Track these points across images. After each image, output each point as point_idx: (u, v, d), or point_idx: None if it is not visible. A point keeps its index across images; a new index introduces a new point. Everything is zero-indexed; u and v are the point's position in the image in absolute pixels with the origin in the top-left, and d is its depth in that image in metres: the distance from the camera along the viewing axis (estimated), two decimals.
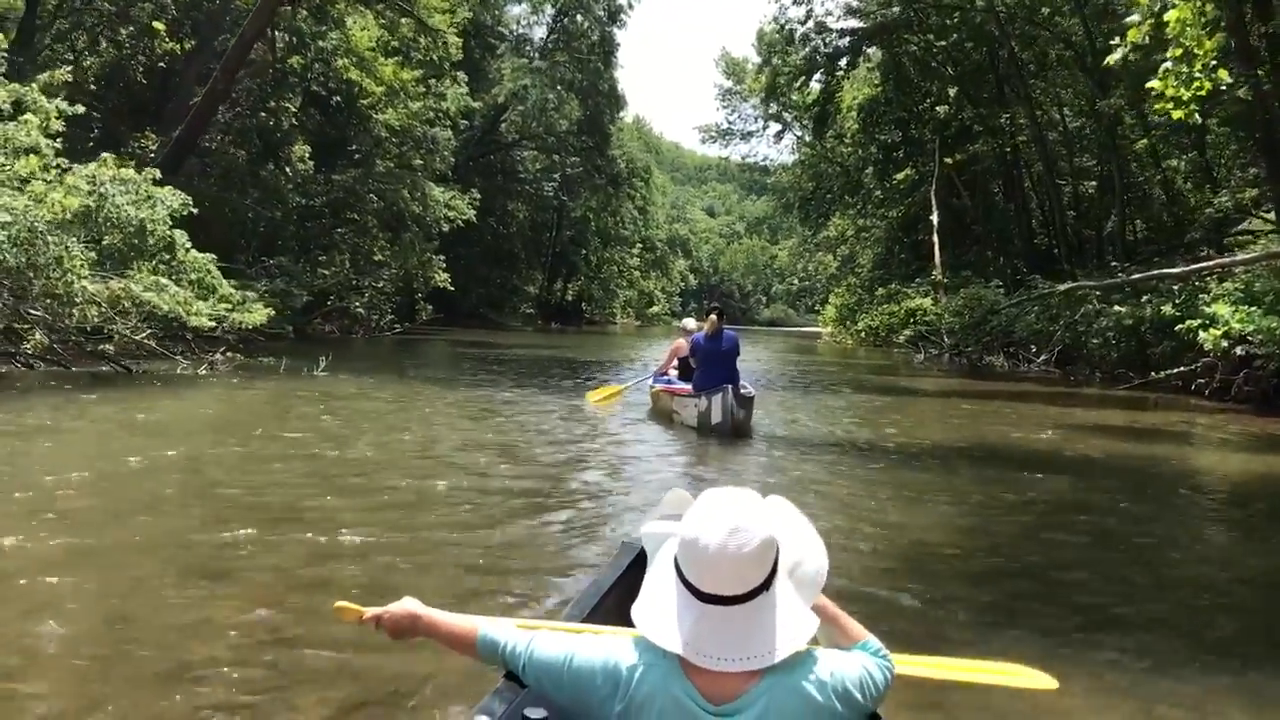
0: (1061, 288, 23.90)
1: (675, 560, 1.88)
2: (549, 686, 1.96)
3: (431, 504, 6.75)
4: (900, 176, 45.48)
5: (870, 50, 43.85)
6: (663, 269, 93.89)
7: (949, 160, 40.00)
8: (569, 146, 57.04)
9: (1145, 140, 28.03)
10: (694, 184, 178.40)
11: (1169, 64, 10.49)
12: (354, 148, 35.05)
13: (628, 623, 2.02)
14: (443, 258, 35.70)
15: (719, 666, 1.79)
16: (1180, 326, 16.81)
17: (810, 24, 42.66)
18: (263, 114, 30.18)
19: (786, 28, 44.66)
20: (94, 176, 14.30)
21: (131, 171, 15.09)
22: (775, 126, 61.87)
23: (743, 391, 10.97)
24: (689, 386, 11.40)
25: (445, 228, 38.41)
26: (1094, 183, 35.87)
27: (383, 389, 14.44)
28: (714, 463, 9.31)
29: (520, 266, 63.13)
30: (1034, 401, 16.53)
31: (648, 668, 1.85)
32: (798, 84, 47.76)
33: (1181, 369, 17.55)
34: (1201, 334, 15.85)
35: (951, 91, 39.25)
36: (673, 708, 1.80)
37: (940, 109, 40.93)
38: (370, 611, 2.21)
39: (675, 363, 12.60)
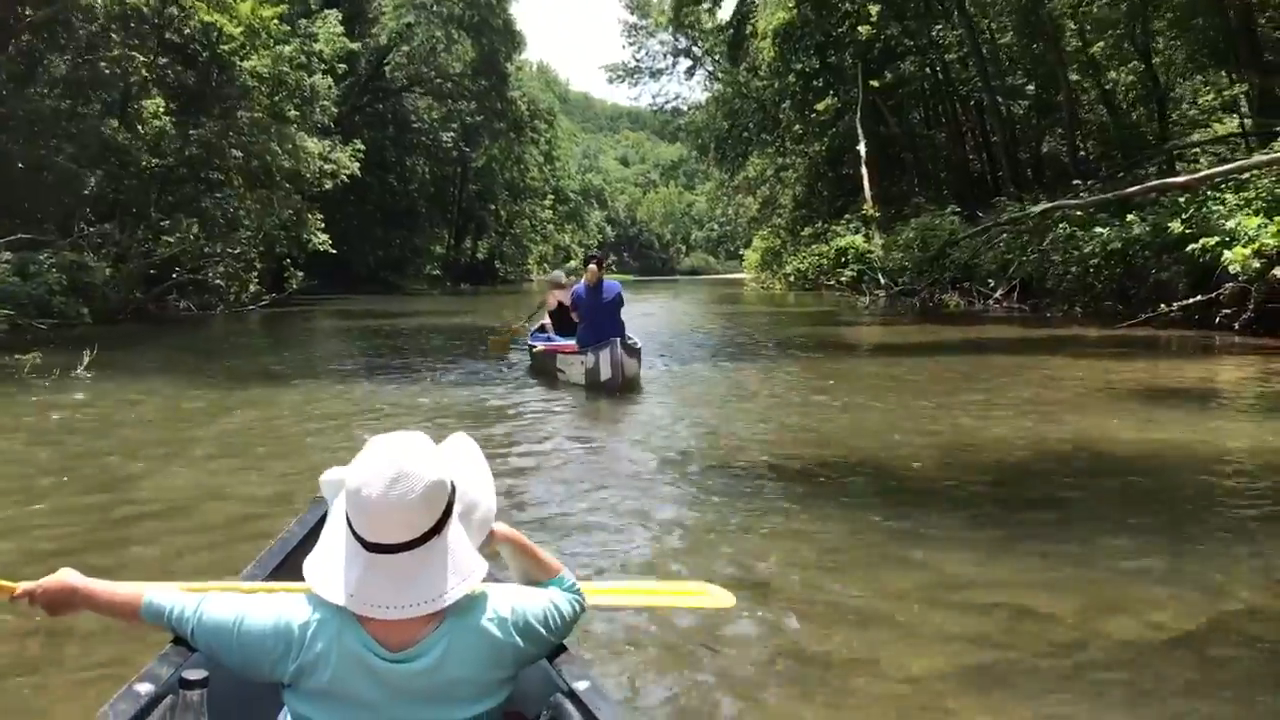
0: (1036, 209, 20.62)
1: (346, 509, 1.80)
2: (220, 650, 1.84)
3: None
4: (821, 106, 42.40)
5: None
6: (578, 221, 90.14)
7: (874, 83, 37.06)
8: (464, 91, 52.74)
9: (1086, 50, 25.33)
10: (606, 133, 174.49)
11: None
12: (219, 101, 30.75)
13: None
14: (321, 218, 31.70)
15: (389, 615, 1.73)
16: (1194, 247, 13.93)
17: None
18: (103, 64, 25.86)
19: None
20: None
21: None
22: (685, 62, 58.55)
23: (629, 343, 10.61)
24: (571, 342, 10.94)
25: (328, 185, 34.46)
26: (1025, 103, 33.32)
27: (173, 394, 10.60)
28: (604, 422, 8.96)
29: (423, 225, 58.81)
30: (1022, 352, 13.51)
31: (321, 623, 1.77)
32: (706, 6, 44.24)
33: (1199, 299, 14.45)
34: (1226, 254, 13.01)
35: (874, 9, 36.10)
36: (349, 660, 1.75)
37: (862, 29, 37.77)
38: (23, 586, 1.99)
39: (548, 319, 12.19)
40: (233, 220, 25.87)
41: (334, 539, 1.84)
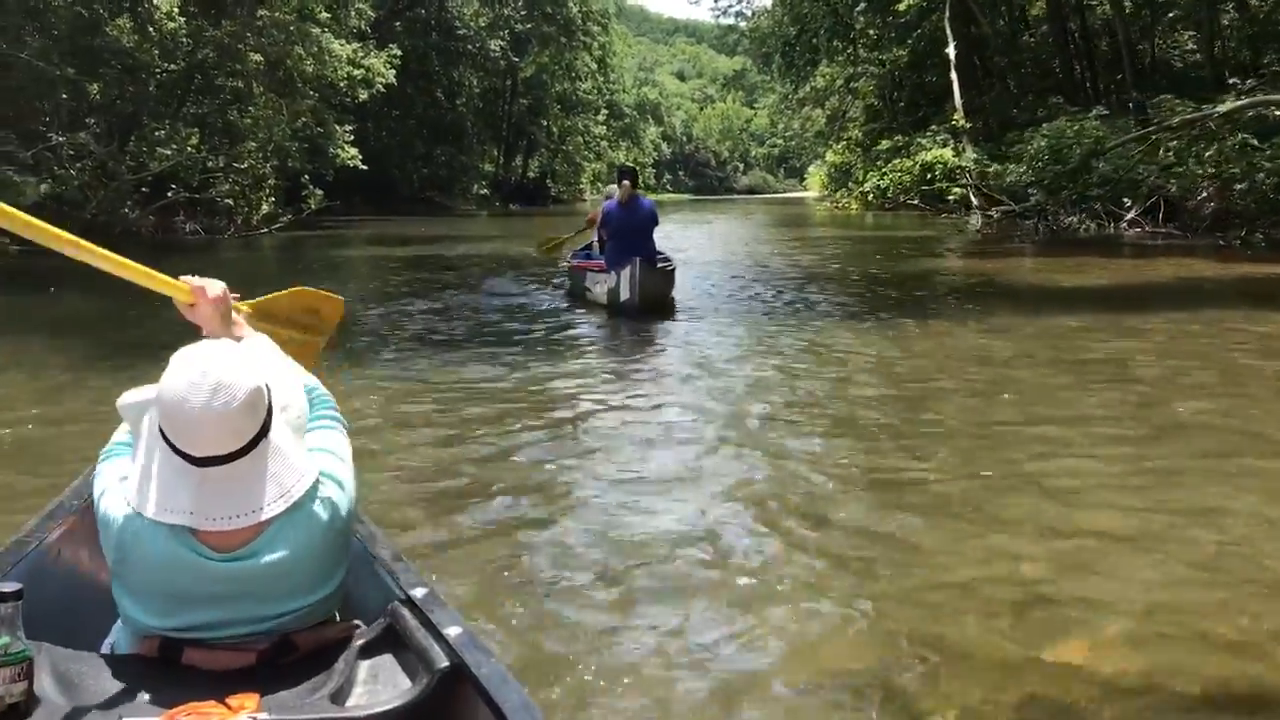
0: (1222, 107, 16.76)
1: (160, 429, 1.72)
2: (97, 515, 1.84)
3: None
4: (902, 7, 38.24)
5: None
6: (633, 138, 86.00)
7: None
8: None
9: None
10: (663, 47, 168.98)
11: None
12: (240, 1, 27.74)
13: None
14: (350, 129, 28.70)
15: (233, 525, 1.70)
16: None
17: None
18: None
19: None
20: None
21: None
22: None
23: (661, 265, 10.46)
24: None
25: (362, 95, 31.47)
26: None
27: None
28: (624, 348, 8.39)
29: (471, 142, 55.62)
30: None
31: (147, 528, 1.71)
32: None
33: None
34: None
35: None
36: (177, 564, 1.71)
37: None
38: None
39: (597, 235, 11.23)
40: (236, 130, 22.87)
41: (148, 459, 1.75)
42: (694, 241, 22.01)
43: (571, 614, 3.14)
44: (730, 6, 60.76)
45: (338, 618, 1.93)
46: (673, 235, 21.04)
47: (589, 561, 3.59)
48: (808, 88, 55.09)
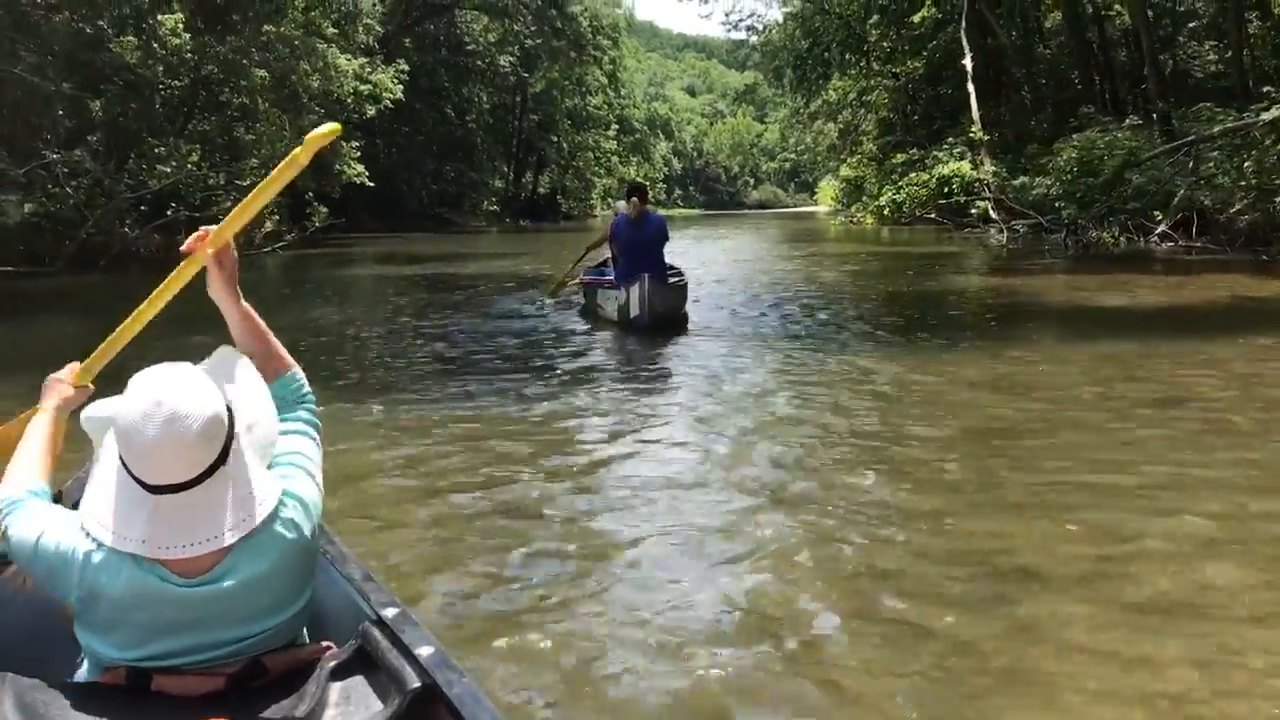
0: (1267, 115, 15.95)
1: (120, 454, 1.70)
2: (24, 563, 1.79)
3: None
4: (917, 19, 37.68)
5: None
6: (643, 153, 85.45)
7: None
8: (521, 5, 48.43)
9: None
10: (673, 62, 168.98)
11: None
12: (245, 15, 27.27)
13: None
14: (357, 145, 28.19)
15: (187, 553, 1.66)
16: None
17: None
18: None
19: None
20: None
21: None
22: None
23: (672, 280, 10.40)
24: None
25: (370, 111, 31.04)
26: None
27: None
28: (632, 364, 8.25)
29: (481, 158, 55.23)
30: None
31: (105, 556, 1.68)
32: None
33: None
34: None
35: None
36: (139, 592, 1.67)
37: None
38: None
39: (609, 251, 11.18)
40: (238, 146, 22.31)
41: (107, 480, 1.73)
42: (709, 257, 21.43)
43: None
44: (741, 21, 60.49)
45: (307, 638, 1.90)
46: (689, 252, 20.46)
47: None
48: (819, 101, 54.64)
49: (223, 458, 1.68)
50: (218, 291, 2.00)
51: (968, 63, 32.60)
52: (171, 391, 1.65)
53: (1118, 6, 31.62)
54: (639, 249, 9.87)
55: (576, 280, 12.19)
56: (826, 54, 49.36)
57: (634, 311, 9.45)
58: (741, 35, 61.72)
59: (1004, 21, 34.68)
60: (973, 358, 8.09)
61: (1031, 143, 28.53)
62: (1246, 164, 15.70)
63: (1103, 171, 18.06)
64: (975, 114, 32.44)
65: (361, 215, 37.06)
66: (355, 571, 2.06)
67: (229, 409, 1.71)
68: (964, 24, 33.11)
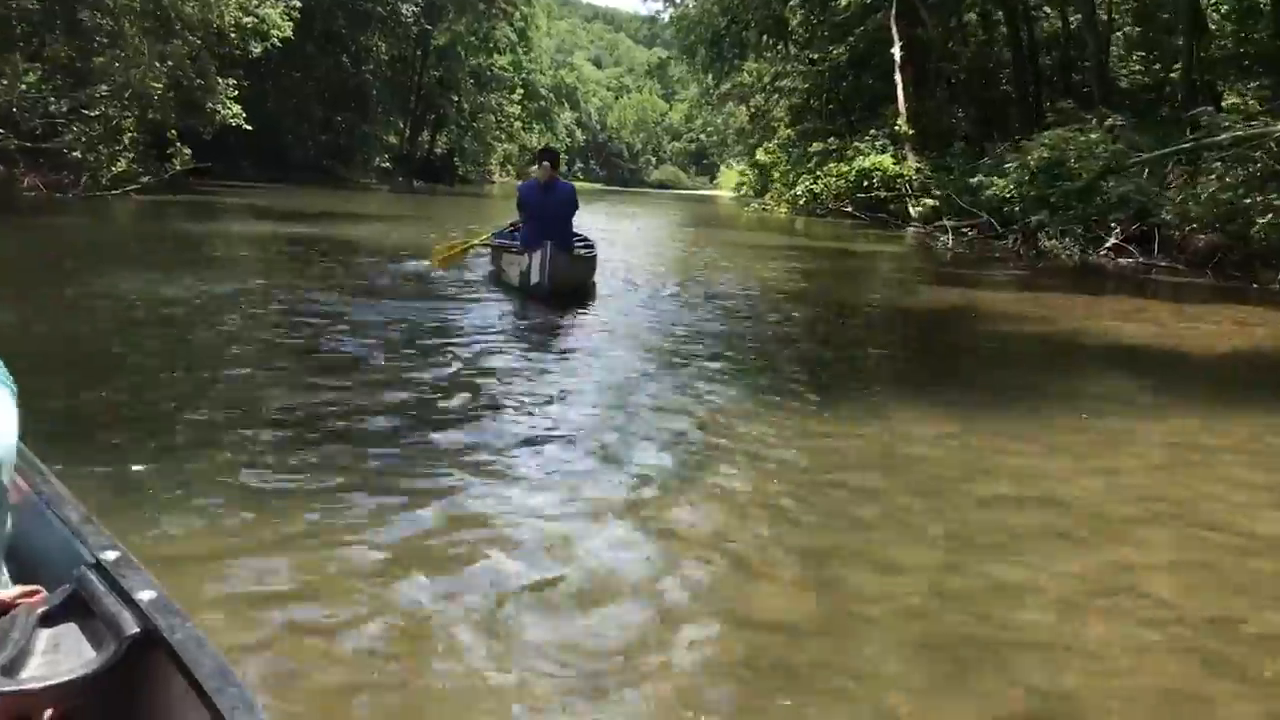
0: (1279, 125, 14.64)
1: None
2: None
3: None
4: (844, 2, 36.34)
5: None
6: (547, 122, 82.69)
7: None
8: None
9: None
10: (581, 31, 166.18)
11: None
12: None
13: None
14: (233, 82, 25.21)
15: None
16: None
17: None
18: None
19: None
20: None
21: None
22: None
23: (580, 250, 10.38)
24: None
25: (255, 49, 28.08)
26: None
27: None
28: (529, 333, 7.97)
29: (375, 111, 51.96)
30: None
31: None
32: None
33: None
34: None
35: None
36: None
37: None
38: None
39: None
40: (86, 70, 19.27)
41: None
42: (624, 237, 19.62)
43: None
44: None
45: (10, 584, 1.66)
46: (604, 230, 18.54)
47: None
48: (731, 83, 53.18)
49: None
50: None
51: (896, 52, 31.42)
52: None
53: (1047, 9, 30.86)
54: (546, 216, 9.69)
55: (470, 251, 11.54)
56: (745, 33, 47.89)
57: (534, 278, 9.23)
58: (658, 5, 59.84)
59: (934, 13, 33.62)
60: (958, 412, 6.37)
61: (953, 140, 27.49)
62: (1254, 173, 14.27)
63: (1079, 175, 16.57)
64: (902, 106, 31.29)
65: (241, 162, 33.99)
66: (72, 514, 1.82)
67: None
68: (894, 11, 31.87)
